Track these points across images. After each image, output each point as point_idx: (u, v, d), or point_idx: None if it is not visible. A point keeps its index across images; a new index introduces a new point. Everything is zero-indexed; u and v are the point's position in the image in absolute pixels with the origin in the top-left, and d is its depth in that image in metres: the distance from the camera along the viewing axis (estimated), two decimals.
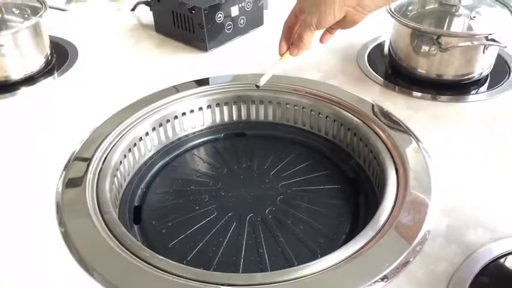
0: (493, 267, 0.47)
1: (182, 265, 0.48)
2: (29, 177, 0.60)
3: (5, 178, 0.60)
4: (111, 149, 0.64)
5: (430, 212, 0.53)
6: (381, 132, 0.65)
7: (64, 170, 0.60)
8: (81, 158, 0.62)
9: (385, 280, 0.46)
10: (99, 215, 0.54)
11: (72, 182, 0.58)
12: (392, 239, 0.50)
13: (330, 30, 0.67)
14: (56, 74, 0.83)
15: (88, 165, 0.60)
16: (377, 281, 0.46)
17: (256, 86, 0.67)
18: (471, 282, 0.45)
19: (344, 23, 0.63)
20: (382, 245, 0.49)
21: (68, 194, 0.56)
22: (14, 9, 0.82)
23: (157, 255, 0.48)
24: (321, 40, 0.69)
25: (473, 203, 0.55)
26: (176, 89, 0.75)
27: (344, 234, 0.59)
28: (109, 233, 0.51)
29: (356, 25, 0.63)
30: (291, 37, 0.67)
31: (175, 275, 0.46)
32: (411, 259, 0.48)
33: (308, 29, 0.62)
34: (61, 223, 0.53)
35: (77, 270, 0.48)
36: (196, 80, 0.78)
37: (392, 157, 0.61)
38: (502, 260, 0.48)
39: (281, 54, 0.67)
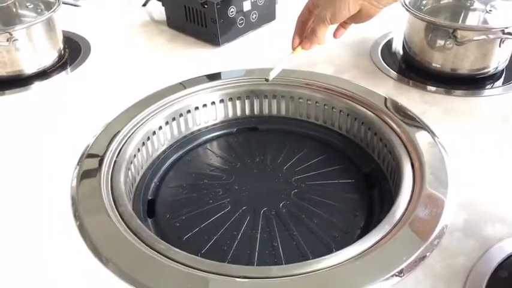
0: None
1: (198, 257, 0.48)
2: (44, 171, 0.60)
3: (19, 173, 0.60)
4: (125, 142, 0.64)
5: (447, 206, 0.52)
6: (395, 127, 0.64)
7: (78, 164, 0.60)
8: (95, 152, 0.62)
9: (402, 274, 0.45)
10: (114, 208, 0.54)
11: (87, 176, 0.58)
12: (409, 233, 0.49)
13: (344, 25, 0.67)
14: (69, 69, 0.83)
15: (102, 159, 0.60)
16: (394, 274, 0.45)
17: (266, 79, 0.67)
18: (490, 276, 0.44)
19: (358, 17, 0.62)
20: (398, 239, 0.49)
21: (83, 187, 0.57)
22: (27, 4, 0.83)
23: (173, 248, 0.48)
24: (334, 35, 0.68)
25: (490, 198, 0.54)
26: (188, 83, 0.75)
27: (359, 229, 0.59)
28: (124, 225, 0.51)
29: (370, 19, 0.63)
30: (304, 32, 0.66)
31: (191, 267, 0.46)
32: (428, 253, 0.47)
33: (322, 24, 0.62)
34: (76, 216, 0.53)
35: (92, 261, 0.48)
36: (208, 75, 0.78)
37: (407, 151, 0.60)
38: None
39: (294, 49, 0.67)
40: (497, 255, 0.47)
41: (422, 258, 0.47)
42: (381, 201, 0.62)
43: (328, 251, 0.55)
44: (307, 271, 0.46)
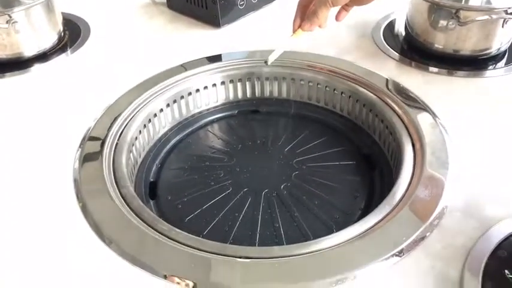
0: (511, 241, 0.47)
1: (200, 238, 0.48)
2: (45, 154, 0.60)
3: (19, 156, 0.60)
4: (127, 125, 0.64)
5: (447, 187, 0.52)
6: (397, 108, 0.64)
7: (80, 146, 0.61)
8: (96, 135, 0.62)
9: (401, 254, 0.46)
10: (116, 190, 0.54)
11: (89, 158, 0.58)
12: (409, 213, 0.50)
13: (346, 7, 0.66)
14: (69, 51, 0.83)
15: (103, 142, 0.61)
16: (394, 254, 0.46)
17: (265, 62, 0.67)
18: (489, 255, 0.45)
19: None
20: (398, 219, 0.49)
21: (85, 169, 0.57)
22: None
23: (175, 228, 0.49)
24: (336, 18, 0.67)
25: (491, 179, 0.54)
26: (189, 65, 0.75)
27: (359, 210, 0.59)
28: (126, 207, 0.52)
29: (372, 2, 0.62)
30: (306, 15, 0.66)
31: (193, 247, 0.47)
32: (428, 233, 0.48)
33: (324, 6, 0.61)
34: (79, 198, 0.53)
35: (96, 242, 0.48)
36: (209, 57, 0.77)
37: (408, 132, 0.60)
38: None
39: (294, 32, 0.66)
40: (497, 235, 0.47)
41: (422, 238, 0.47)
42: (381, 182, 0.63)
43: (329, 231, 0.55)
44: (308, 251, 0.46)
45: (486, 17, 0.69)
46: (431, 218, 0.49)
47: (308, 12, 0.65)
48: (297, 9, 0.66)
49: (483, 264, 0.44)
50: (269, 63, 0.66)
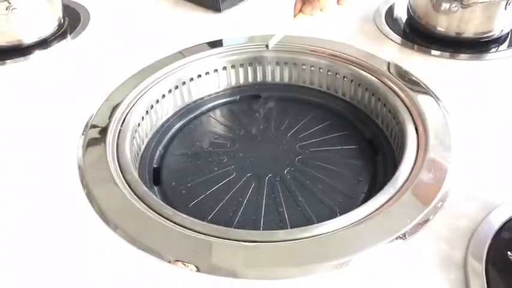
0: None
1: (205, 223, 0.49)
2: (48, 142, 0.60)
3: (21, 145, 0.60)
4: (129, 111, 0.64)
5: (450, 170, 0.52)
6: (399, 92, 0.64)
7: (83, 134, 0.61)
8: (99, 121, 0.62)
9: (405, 236, 0.46)
10: (120, 176, 0.54)
11: (92, 145, 0.58)
12: (413, 197, 0.50)
13: None
14: (69, 38, 0.82)
15: (106, 128, 0.61)
16: (398, 237, 0.46)
17: (266, 46, 0.66)
18: (492, 237, 0.45)
19: None
20: (402, 203, 0.49)
21: (89, 156, 0.57)
22: None
23: (180, 213, 0.49)
24: (338, 1, 0.67)
25: (493, 161, 0.54)
26: (190, 51, 0.74)
27: (363, 194, 0.59)
28: (131, 192, 0.52)
29: None
30: None
31: (198, 232, 0.47)
32: (432, 216, 0.48)
33: None
34: (84, 184, 0.53)
35: (102, 227, 0.49)
36: (210, 42, 0.77)
37: (411, 116, 0.60)
38: None
39: (295, 15, 0.66)
40: (500, 217, 0.47)
41: (425, 221, 0.47)
42: (384, 166, 0.63)
43: (332, 215, 0.55)
44: (312, 235, 0.47)
45: None
46: (435, 201, 0.49)
47: None
48: None
49: (487, 246, 0.44)
50: (270, 47, 0.66)
